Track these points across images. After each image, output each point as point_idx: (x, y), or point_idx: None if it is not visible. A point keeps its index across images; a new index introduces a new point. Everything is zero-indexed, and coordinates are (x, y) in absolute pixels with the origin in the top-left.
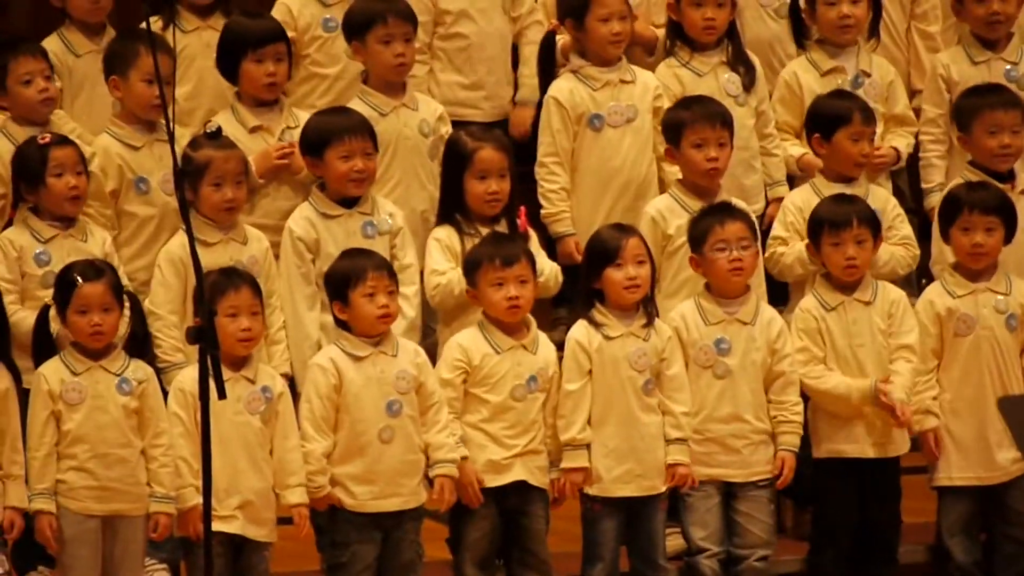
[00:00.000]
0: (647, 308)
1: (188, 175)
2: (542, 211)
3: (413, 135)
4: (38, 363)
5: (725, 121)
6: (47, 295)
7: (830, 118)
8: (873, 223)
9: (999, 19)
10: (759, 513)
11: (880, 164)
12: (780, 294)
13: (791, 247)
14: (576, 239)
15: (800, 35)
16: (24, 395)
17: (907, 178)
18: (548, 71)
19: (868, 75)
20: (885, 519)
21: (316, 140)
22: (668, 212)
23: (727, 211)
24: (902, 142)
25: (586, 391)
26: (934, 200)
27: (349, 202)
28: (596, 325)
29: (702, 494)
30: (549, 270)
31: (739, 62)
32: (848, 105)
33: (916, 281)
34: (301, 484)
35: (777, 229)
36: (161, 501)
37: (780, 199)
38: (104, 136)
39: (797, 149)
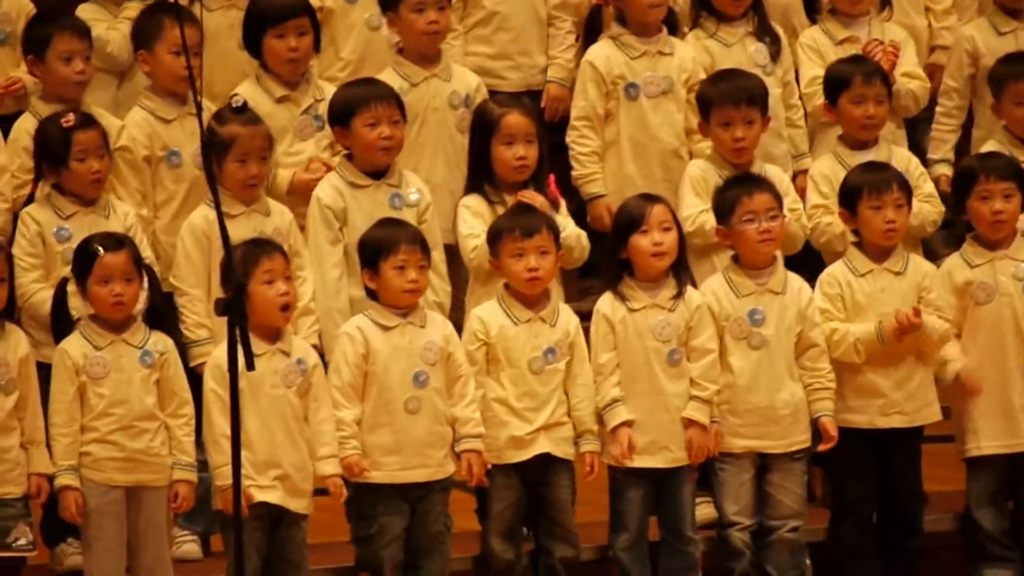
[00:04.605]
0: (679, 276)
1: (213, 148)
2: (573, 173)
3: (442, 106)
4: (59, 338)
5: (752, 98)
6: (68, 272)
7: (834, 83)
8: (908, 189)
9: None
10: (792, 484)
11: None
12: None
13: (836, 218)
14: (608, 202)
15: (811, 6)
16: (43, 369)
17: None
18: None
19: (881, 44)
20: (905, 488)
21: (342, 110)
22: (705, 177)
23: (753, 182)
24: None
25: (615, 361)
26: (935, 172)
27: (377, 174)
28: (622, 298)
29: (735, 468)
30: (572, 232)
31: (765, 32)
32: (850, 69)
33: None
34: (333, 455)
35: (815, 199)
36: (185, 469)
37: (805, 171)
38: (136, 110)
39: None
